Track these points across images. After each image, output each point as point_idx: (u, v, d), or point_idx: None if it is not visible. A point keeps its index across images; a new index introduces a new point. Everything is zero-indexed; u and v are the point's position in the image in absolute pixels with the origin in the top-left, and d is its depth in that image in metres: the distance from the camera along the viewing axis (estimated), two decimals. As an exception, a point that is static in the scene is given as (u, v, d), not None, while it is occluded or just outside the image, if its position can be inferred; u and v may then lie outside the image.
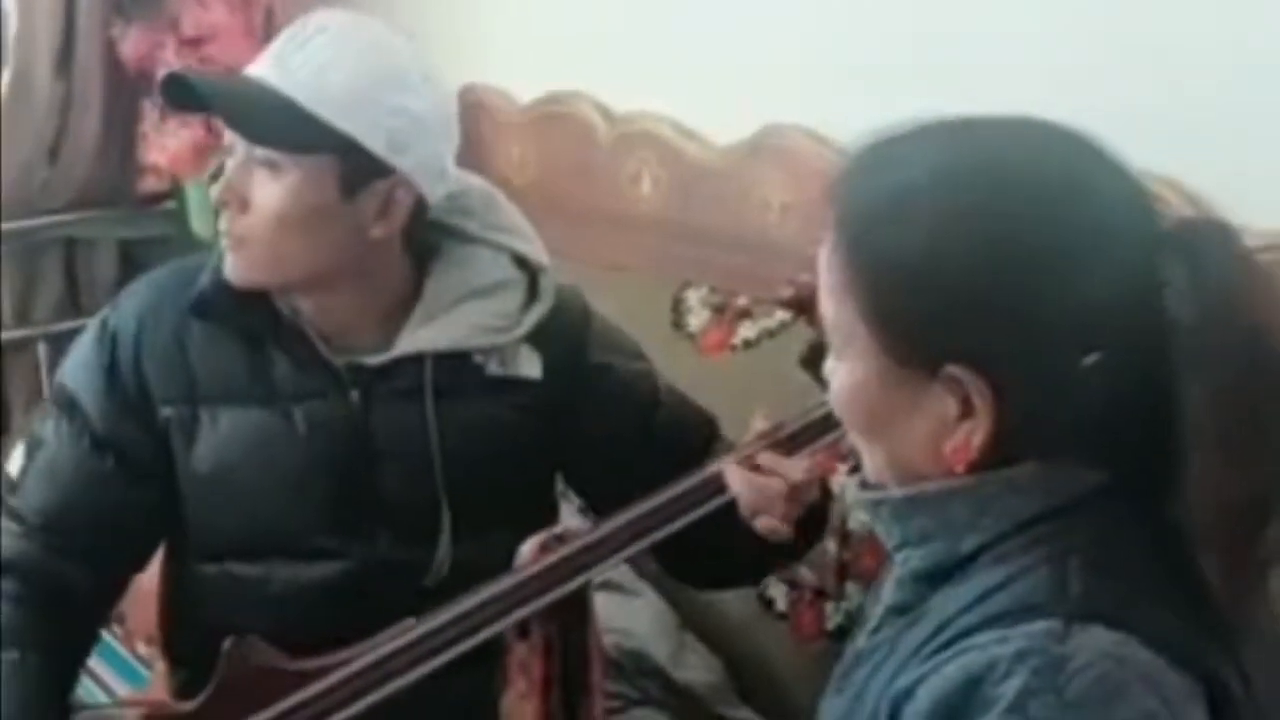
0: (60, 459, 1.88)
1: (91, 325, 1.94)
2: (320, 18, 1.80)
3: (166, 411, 1.87)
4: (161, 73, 3.02)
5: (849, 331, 1.19)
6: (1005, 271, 1.13)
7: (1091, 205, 1.14)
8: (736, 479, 1.70)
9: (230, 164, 1.80)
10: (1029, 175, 1.16)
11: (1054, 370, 1.13)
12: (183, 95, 1.81)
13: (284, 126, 1.74)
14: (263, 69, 1.78)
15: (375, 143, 1.75)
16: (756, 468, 1.70)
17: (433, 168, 1.81)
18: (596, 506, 1.98)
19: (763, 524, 1.70)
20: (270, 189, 1.76)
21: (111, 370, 1.88)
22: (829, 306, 1.21)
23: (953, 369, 1.14)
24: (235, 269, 1.81)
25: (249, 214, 1.78)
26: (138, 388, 1.87)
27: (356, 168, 1.76)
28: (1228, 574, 1.11)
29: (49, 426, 1.90)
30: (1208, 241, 1.15)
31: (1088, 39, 2.11)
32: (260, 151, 1.77)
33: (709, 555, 1.83)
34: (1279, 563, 1.14)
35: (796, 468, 1.70)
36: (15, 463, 1.91)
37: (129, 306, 1.91)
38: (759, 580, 2.19)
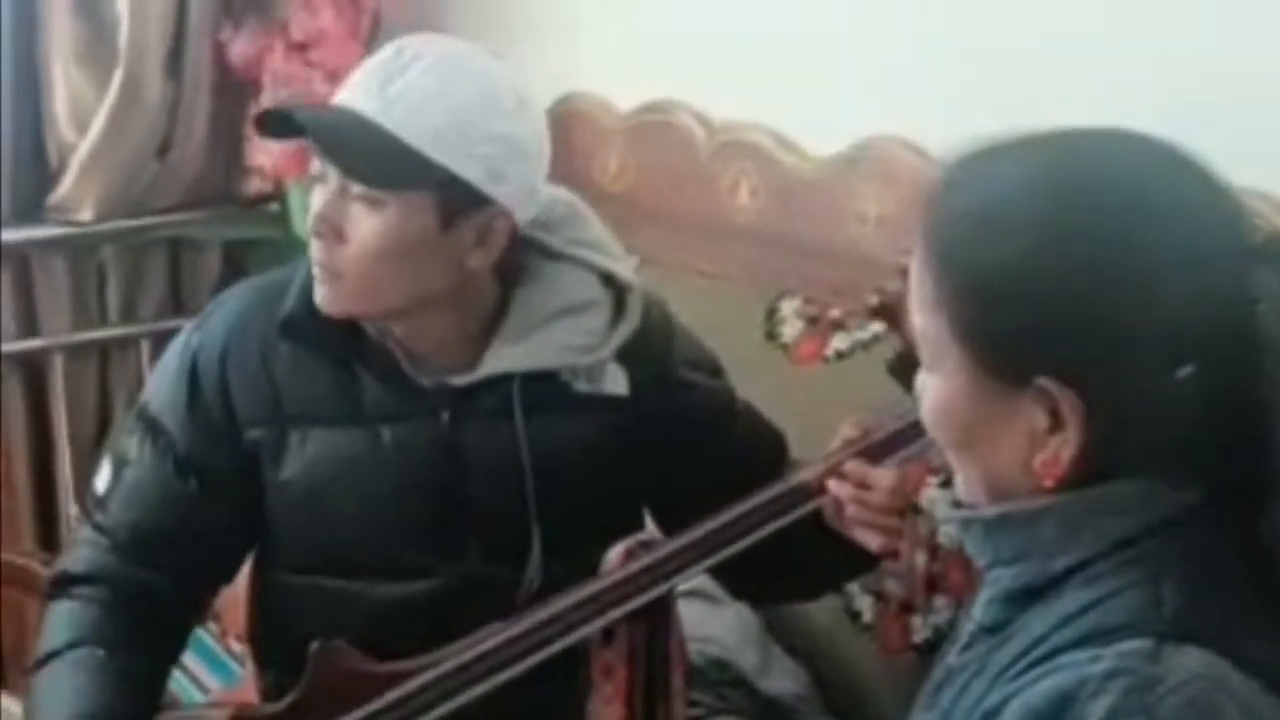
0: (145, 479, 1.89)
1: (175, 345, 1.93)
2: (414, 45, 1.77)
3: (253, 433, 1.87)
4: (268, 77, 3.11)
5: (940, 345, 1.19)
6: (1095, 285, 1.12)
7: (1182, 219, 1.14)
8: (837, 489, 1.70)
9: (322, 193, 1.77)
10: (1119, 189, 1.15)
11: (1144, 384, 1.12)
12: (282, 126, 1.81)
13: (384, 163, 1.72)
14: (357, 99, 1.75)
15: (474, 174, 1.73)
16: (842, 475, 1.70)
17: (529, 193, 1.80)
18: (665, 520, 1.98)
19: (866, 539, 1.71)
20: (368, 223, 1.74)
21: (195, 393, 1.88)
22: (920, 320, 1.21)
23: (1043, 382, 1.14)
24: (329, 300, 1.79)
25: (345, 246, 1.75)
26: (223, 410, 1.87)
27: (455, 199, 1.74)
28: None
29: (134, 445, 1.91)
30: None
31: (1185, 55, 2.10)
32: (357, 186, 1.75)
33: (776, 568, 1.83)
34: None
35: (884, 476, 1.70)
36: (102, 478, 1.93)
37: (214, 327, 1.90)
38: (817, 597, 2.17)
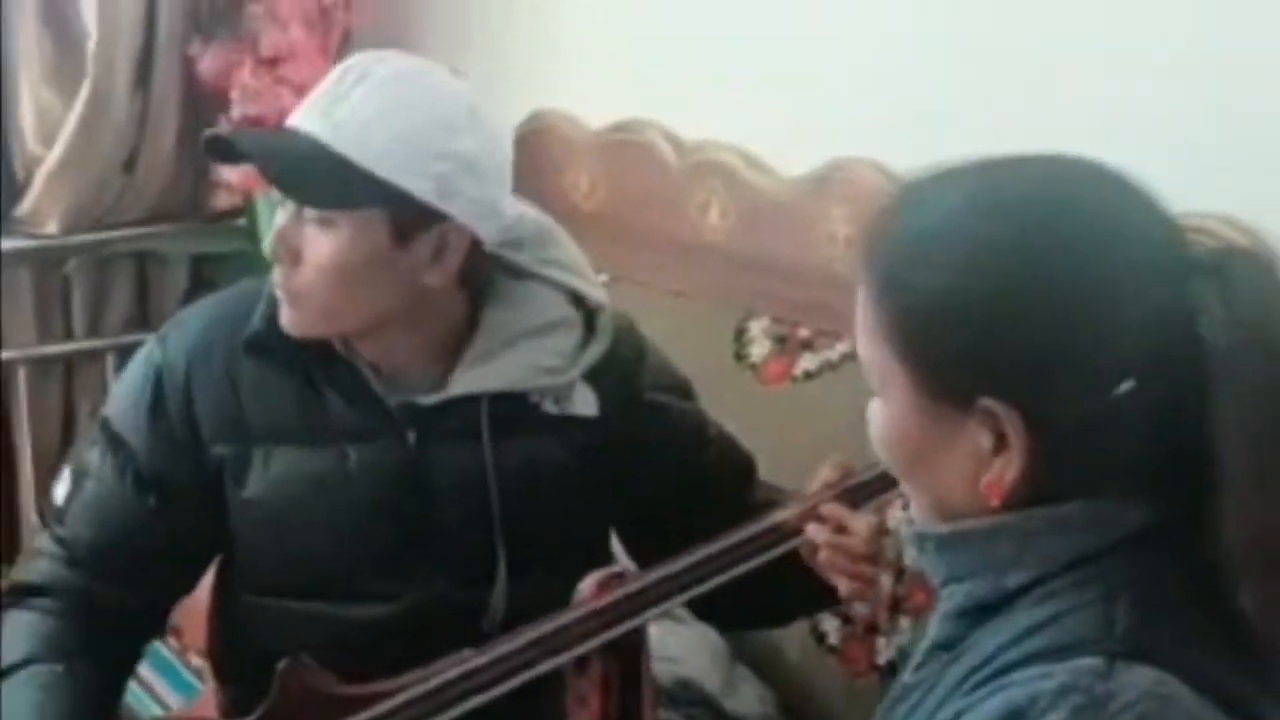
0: (104, 493, 1.88)
1: (137, 360, 1.92)
2: (364, 62, 1.78)
3: (218, 450, 1.86)
4: (236, 92, 3.10)
5: (885, 371, 1.20)
6: (1029, 304, 1.13)
7: (1118, 237, 1.15)
8: (815, 533, 1.70)
9: (280, 216, 1.78)
10: (1054, 209, 1.16)
11: (1086, 402, 1.13)
12: (227, 152, 1.82)
13: (333, 186, 1.73)
14: (307, 121, 1.75)
15: (424, 192, 1.73)
16: (820, 519, 1.70)
17: (485, 208, 1.79)
18: (632, 543, 1.98)
19: (841, 585, 1.72)
20: (322, 244, 1.74)
21: (158, 409, 1.86)
22: (865, 347, 1.22)
23: (986, 403, 1.14)
24: (292, 322, 1.79)
25: (302, 268, 1.76)
26: (187, 427, 1.86)
27: (407, 217, 1.74)
28: (1265, 608, 1.10)
29: (94, 457, 1.89)
30: (1241, 268, 1.14)
31: (1152, 77, 2.11)
32: (309, 208, 1.75)
33: (747, 600, 1.82)
34: None
35: (861, 522, 1.70)
36: (62, 489, 1.91)
37: (177, 343, 1.89)
38: (784, 625, 2.18)
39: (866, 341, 1.22)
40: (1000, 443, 1.15)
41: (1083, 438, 1.14)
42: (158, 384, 1.87)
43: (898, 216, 1.22)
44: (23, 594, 1.90)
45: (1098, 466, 1.15)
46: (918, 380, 1.17)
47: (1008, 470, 1.15)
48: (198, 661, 2.59)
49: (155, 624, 2.00)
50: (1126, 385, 1.11)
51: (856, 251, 1.24)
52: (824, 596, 1.80)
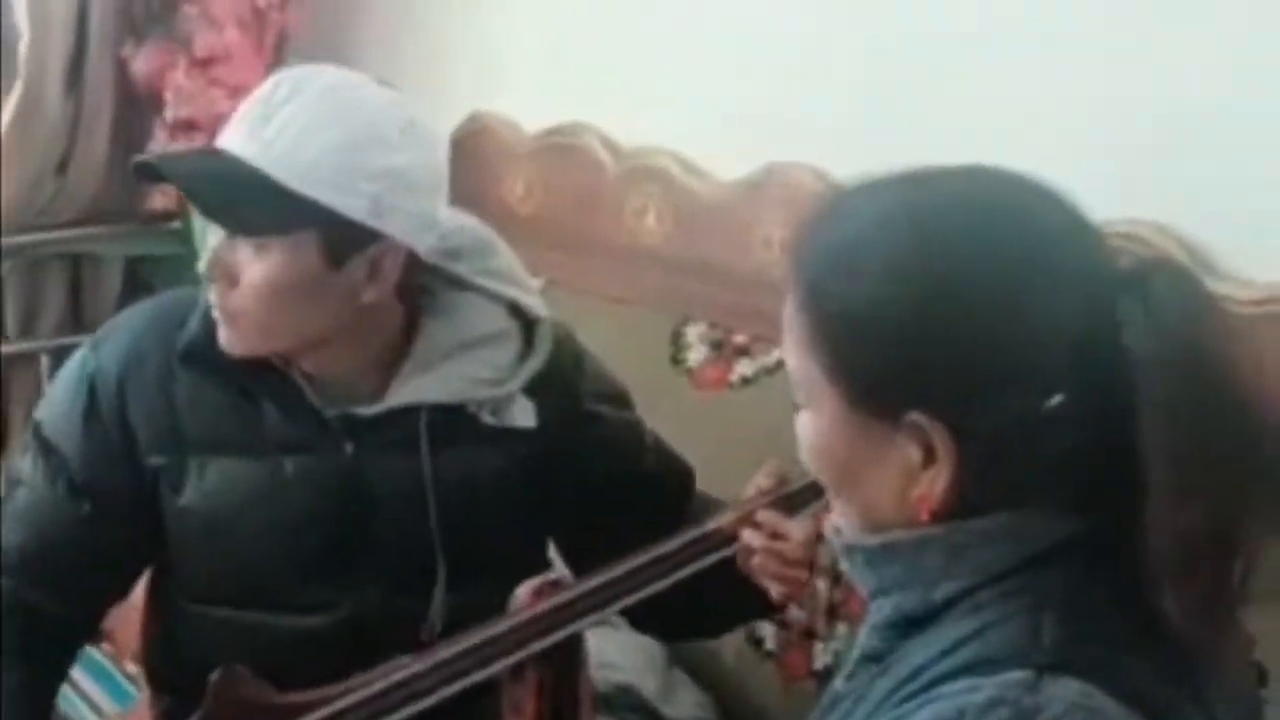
0: (36, 500, 1.86)
1: (70, 366, 1.90)
2: (295, 77, 1.74)
3: (153, 460, 1.84)
4: (170, 93, 3.08)
5: (812, 384, 1.20)
6: (956, 318, 1.13)
7: (1042, 249, 1.15)
8: (750, 538, 1.70)
9: (213, 237, 1.76)
10: (978, 221, 1.16)
11: (1014, 415, 1.13)
12: (156, 176, 1.79)
13: (262, 211, 1.70)
14: (235, 140, 1.73)
15: (357, 212, 1.70)
16: (756, 525, 1.71)
17: (421, 222, 1.76)
18: (570, 552, 1.97)
19: (773, 589, 1.71)
20: (256, 266, 1.72)
21: (92, 416, 1.84)
22: (792, 360, 1.22)
23: (914, 416, 1.14)
24: (229, 341, 1.77)
25: (238, 289, 1.74)
26: (121, 435, 1.84)
27: (341, 237, 1.71)
28: (1188, 613, 1.10)
29: (27, 465, 1.88)
30: (1163, 280, 1.15)
31: (1093, 89, 2.12)
32: None
33: (682, 609, 1.82)
34: (1248, 604, 1.14)
35: (797, 528, 1.70)
36: None
37: (111, 350, 1.86)
38: (718, 636, 2.18)
39: (794, 353, 1.21)
40: (929, 456, 1.14)
41: (1010, 450, 1.14)
42: (91, 391, 1.85)
43: (825, 225, 1.22)
44: None
45: (1025, 478, 1.15)
46: (844, 394, 1.17)
47: (936, 483, 1.14)
48: (132, 668, 2.58)
49: (87, 630, 1.98)
50: (1055, 399, 1.12)
51: (785, 259, 1.23)
52: (759, 607, 1.81)
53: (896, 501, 1.17)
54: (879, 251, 1.16)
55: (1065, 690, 1.07)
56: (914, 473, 1.15)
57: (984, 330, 1.13)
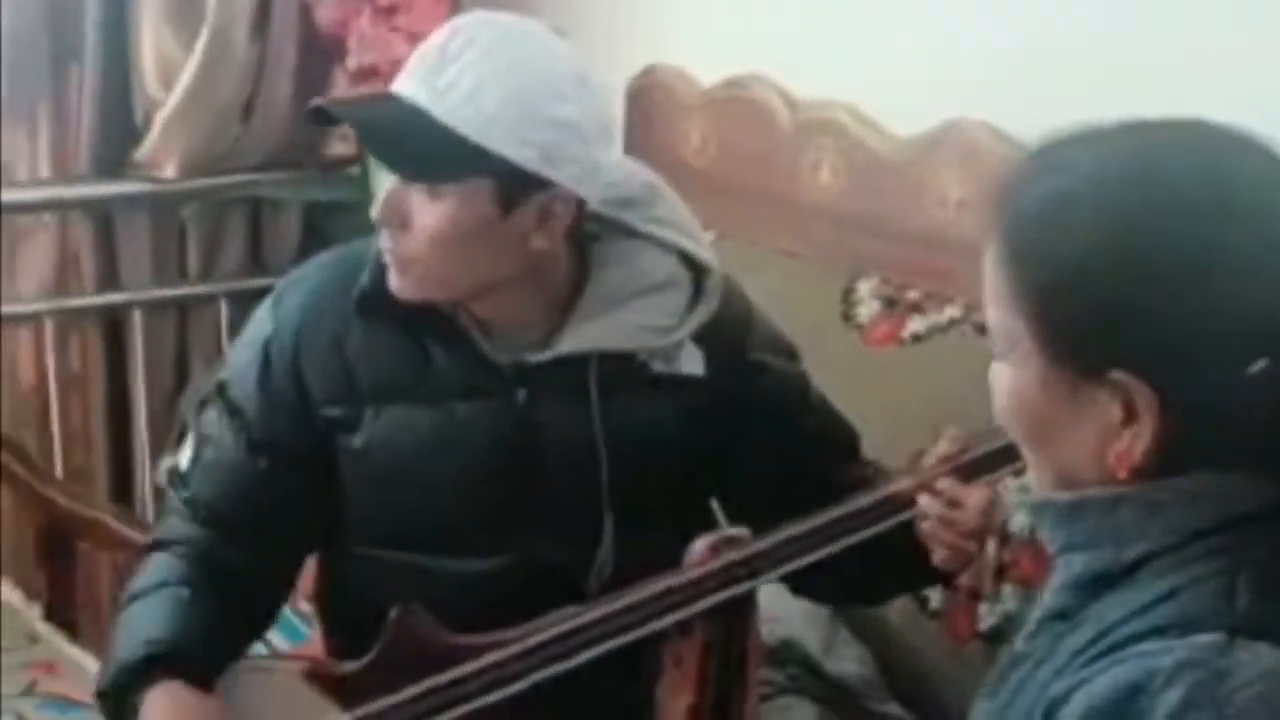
0: (222, 457, 1.91)
1: (254, 322, 1.95)
2: (468, 28, 1.76)
3: (329, 411, 1.88)
4: (353, 40, 3.12)
5: (1012, 337, 1.19)
6: (1165, 276, 1.11)
7: (1258, 212, 1.13)
8: (928, 505, 1.70)
9: (388, 181, 1.79)
10: (1194, 181, 1.14)
11: (1219, 377, 1.11)
12: (332, 120, 1.84)
13: (435, 157, 1.73)
14: (410, 87, 1.75)
15: (529, 161, 1.72)
16: (935, 492, 1.70)
17: (590, 171, 1.78)
18: (729, 506, 1.98)
19: (939, 555, 1.71)
20: (428, 212, 1.75)
21: (267, 375, 1.89)
22: (993, 312, 1.21)
23: (1117, 374, 1.13)
24: (401, 287, 1.80)
25: (409, 234, 1.76)
26: (295, 390, 1.88)
27: (513, 185, 1.74)
28: None
29: (212, 421, 1.93)
30: None
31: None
32: None
33: (854, 574, 1.82)
34: None
35: (974, 496, 1.69)
36: (185, 454, 1.95)
37: (290, 307, 1.91)
38: (882, 603, 2.18)
39: (994, 306, 1.20)
40: (1129, 414, 1.13)
41: (1214, 414, 1.12)
42: (266, 356, 1.90)
43: (1032, 181, 1.20)
44: (159, 547, 1.95)
45: (1226, 441, 1.13)
46: (1047, 349, 1.16)
47: (1137, 442, 1.13)
48: (306, 606, 2.63)
49: (281, 589, 2.01)
50: (1259, 365, 1.10)
51: (986, 213, 1.22)
52: (928, 575, 1.80)
53: (1091, 459, 1.16)
54: (1091, 208, 1.15)
55: (1259, 655, 1.06)
56: (1113, 431, 1.14)
57: (1195, 293, 1.11)
